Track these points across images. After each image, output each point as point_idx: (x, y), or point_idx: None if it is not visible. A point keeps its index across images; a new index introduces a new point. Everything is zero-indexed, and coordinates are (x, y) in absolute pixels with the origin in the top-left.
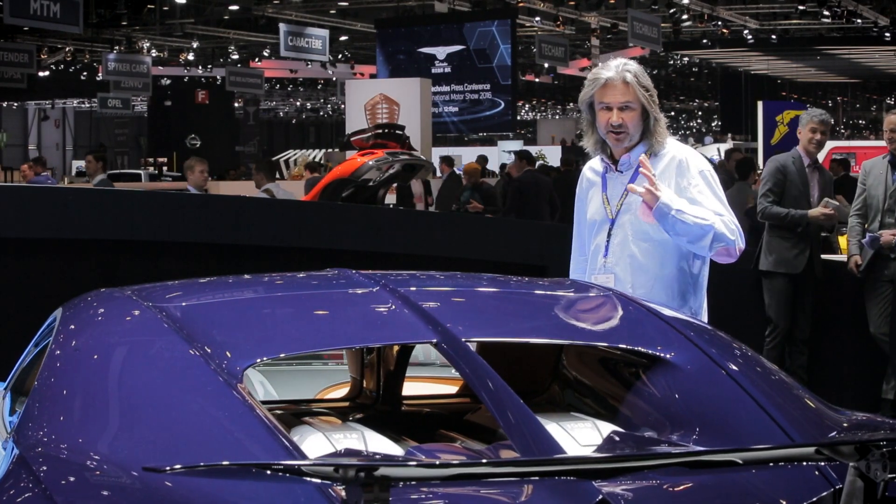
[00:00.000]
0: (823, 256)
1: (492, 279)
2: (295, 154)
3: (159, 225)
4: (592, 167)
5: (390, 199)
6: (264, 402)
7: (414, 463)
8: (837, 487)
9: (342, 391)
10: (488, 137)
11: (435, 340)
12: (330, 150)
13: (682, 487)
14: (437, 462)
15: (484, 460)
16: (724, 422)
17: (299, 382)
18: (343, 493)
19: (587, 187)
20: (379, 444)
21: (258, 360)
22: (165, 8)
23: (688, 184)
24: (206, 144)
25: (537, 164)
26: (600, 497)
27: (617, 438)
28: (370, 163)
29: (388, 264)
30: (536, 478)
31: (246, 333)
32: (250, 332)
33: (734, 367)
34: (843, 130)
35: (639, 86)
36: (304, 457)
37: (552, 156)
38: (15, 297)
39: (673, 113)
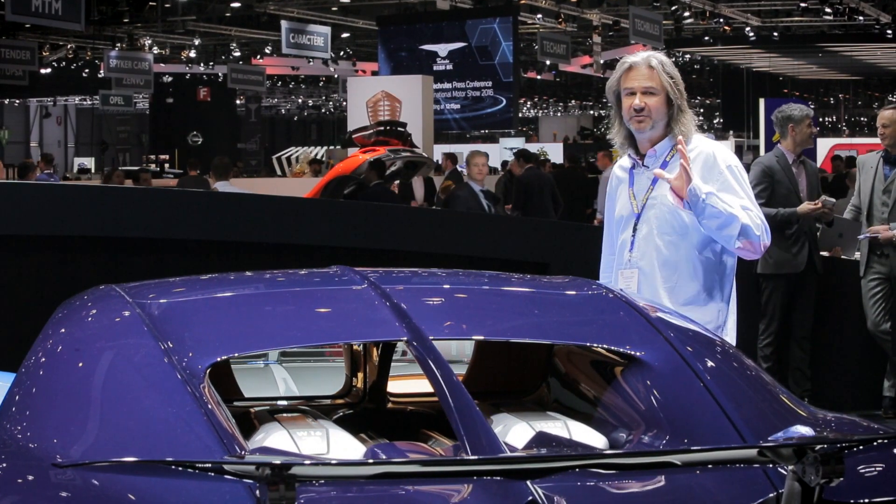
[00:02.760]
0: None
1: (484, 277)
2: (297, 151)
3: (164, 222)
4: (621, 165)
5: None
6: (259, 399)
7: (333, 462)
8: (781, 491)
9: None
10: (490, 135)
11: (406, 338)
12: (332, 148)
13: (618, 488)
14: (357, 461)
15: (411, 460)
16: (684, 422)
17: (322, 378)
18: (257, 492)
19: (616, 185)
20: (341, 442)
21: (218, 359)
22: (167, 5)
23: (715, 179)
24: (207, 141)
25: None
26: (531, 498)
27: (549, 437)
28: (372, 160)
29: (391, 262)
30: (464, 478)
31: (215, 331)
32: (220, 330)
33: (704, 367)
34: (844, 128)
35: (663, 72)
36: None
37: (554, 153)
38: (20, 294)
39: None
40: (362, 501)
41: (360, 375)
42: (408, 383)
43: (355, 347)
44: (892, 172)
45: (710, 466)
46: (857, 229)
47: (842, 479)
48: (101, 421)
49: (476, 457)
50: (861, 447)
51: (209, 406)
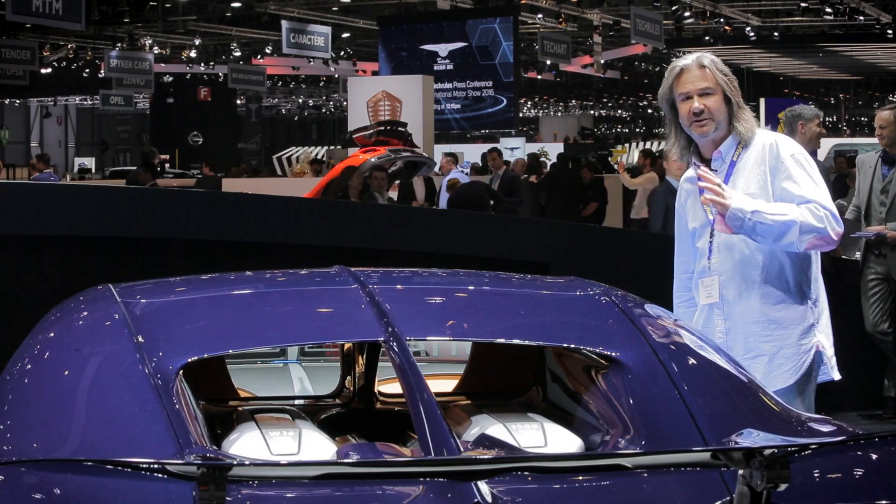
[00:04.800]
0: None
1: (476, 278)
2: (297, 151)
3: (164, 222)
4: (688, 177)
5: (391, 195)
6: (254, 399)
7: (272, 463)
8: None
9: (385, 387)
10: (490, 134)
11: (381, 339)
12: (332, 147)
13: (566, 490)
14: (298, 462)
15: (354, 461)
16: (654, 424)
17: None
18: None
19: (685, 199)
20: (312, 442)
21: (191, 359)
22: (168, 5)
23: (780, 169)
24: (208, 141)
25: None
26: (476, 500)
27: (497, 439)
28: (372, 160)
29: (392, 262)
30: (408, 479)
31: (193, 331)
32: (198, 331)
33: (680, 370)
34: (844, 128)
35: (716, 70)
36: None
37: (554, 153)
38: (24, 293)
39: None
40: (308, 502)
41: (353, 376)
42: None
43: (347, 348)
44: (891, 172)
45: (664, 469)
46: (854, 229)
47: (787, 483)
48: (59, 420)
49: (421, 458)
50: (820, 451)
51: (175, 406)
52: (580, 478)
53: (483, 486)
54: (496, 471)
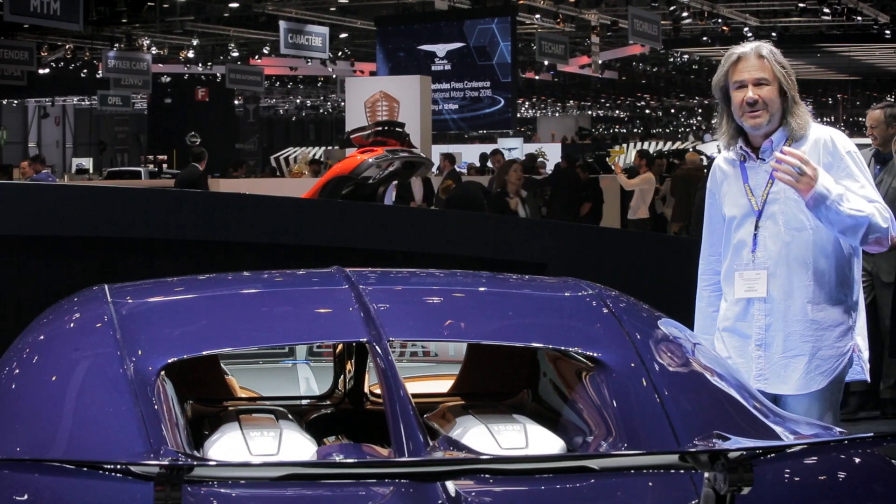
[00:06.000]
0: None
1: (469, 279)
2: (295, 151)
3: (159, 222)
4: (727, 159)
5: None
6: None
7: (234, 464)
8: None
9: (378, 388)
10: (488, 135)
11: (366, 339)
12: (330, 148)
13: (534, 492)
14: (260, 463)
15: (317, 462)
16: (634, 426)
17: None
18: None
19: (721, 180)
20: (292, 443)
21: (172, 360)
22: (165, 5)
23: (837, 166)
24: (205, 142)
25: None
26: (440, 501)
27: (482, 440)
28: (370, 160)
29: (389, 262)
30: (373, 480)
31: (178, 332)
32: (182, 331)
33: (663, 372)
34: (843, 128)
35: (775, 61)
36: (185, 458)
37: (552, 153)
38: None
39: (673, 110)
40: (274, 502)
41: (344, 377)
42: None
43: (340, 349)
44: (882, 171)
45: (632, 471)
46: None
47: (751, 487)
48: (34, 420)
49: (385, 459)
50: (792, 454)
51: (152, 407)
52: (549, 480)
53: (449, 487)
54: (459, 472)
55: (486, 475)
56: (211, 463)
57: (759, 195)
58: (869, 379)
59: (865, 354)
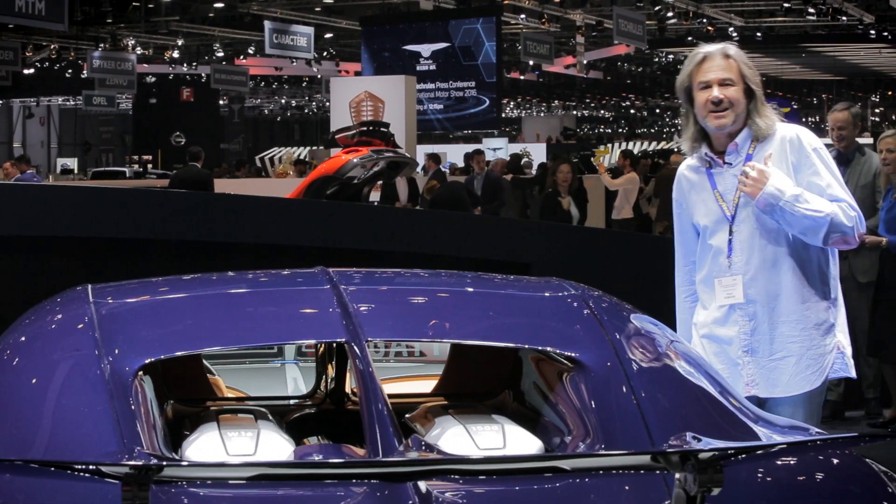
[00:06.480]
0: None
1: (451, 279)
2: (280, 152)
3: (146, 222)
4: (690, 166)
5: (374, 196)
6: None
7: (204, 464)
8: None
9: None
10: (473, 135)
11: (344, 339)
12: (315, 148)
13: (505, 492)
14: (230, 463)
15: (288, 462)
16: (610, 427)
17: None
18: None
19: (688, 189)
20: (270, 444)
21: (149, 360)
22: (150, 5)
23: (803, 164)
24: (190, 142)
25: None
26: (411, 502)
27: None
28: (355, 160)
29: (375, 262)
30: (343, 480)
31: (156, 332)
32: (161, 331)
33: (640, 373)
34: (827, 128)
35: (741, 61)
36: (161, 459)
37: (537, 153)
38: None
39: (658, 110)
40: (245, 502)
41: (326, 377)
42: (394, 386)
43: (322, 349)
44: (846, 173)
45: (604, 472)
46: None
47: (720, 487)
48: (8, 420)
49: (354, 459)
50: (767, 455)
51: (129, 407)
52: (521, 480)
53: (420, 488)
54: (428, 472)
55: (457, 476)
56: (183, 463)
57: (729, 200)
58: (854, 375)
59: (848, 351)
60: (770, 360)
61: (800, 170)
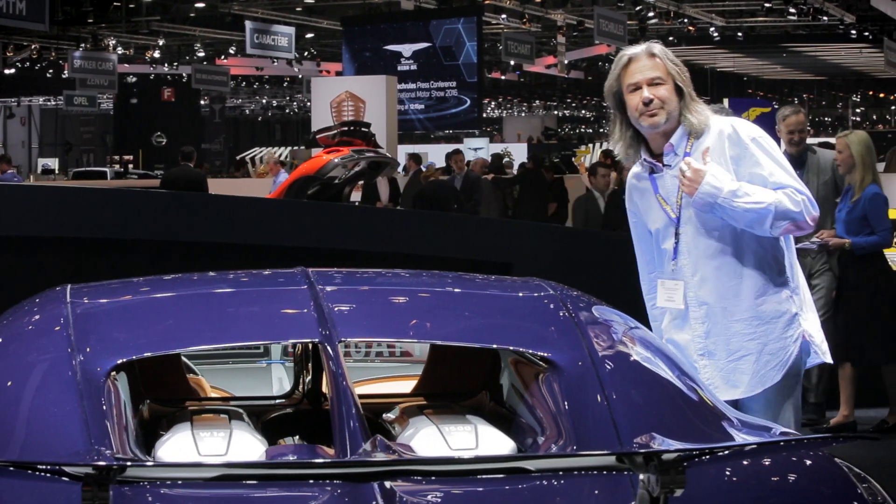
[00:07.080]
0: None
1: (429, 279)
2: (261, 151)
3: (127, 222)
4: (635, 173)
5: (355, 196)
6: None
7: (167, 464)
8: None
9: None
10: (454, 135)
11: (317, 339)
12: (296, 148)
13: (471, 493)
14: (192, 463)
15: (252, 462)
16: (581, 428)
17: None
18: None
19: (637, 197)
20: (241, 444)
21: (121, 361)
22: (131, 5)
23: (745, 156)
24: (171, 142)
25: (504, 160)
26: (374, 502)
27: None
28: (336, 160)
29: (356, 262)
30: (307, 480)
31: (130, 332)
32: (135, 332)
33: (613, 373)
34: (808, 128)
35: (667, 59)
36: (136, 459)
37: (518, 153)
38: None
39: None
40: (211, 503)
41: (303, 377)
42: (375, 386)
43: (300, 349)
44: (803, 175)
45: (570, 473)
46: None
47: (682, 489)
48: None
49: (318, 460)
50: (731, 456)
51: (100, 407)
52: (488, 481)
53: (386, 488)
54: (392, 472)
55: (420, 476)
56: (147, 463)
57: (672, 203)
58: (831, 361)
59: (818, 337)
60: (728, 361)
61: (740, 162)
